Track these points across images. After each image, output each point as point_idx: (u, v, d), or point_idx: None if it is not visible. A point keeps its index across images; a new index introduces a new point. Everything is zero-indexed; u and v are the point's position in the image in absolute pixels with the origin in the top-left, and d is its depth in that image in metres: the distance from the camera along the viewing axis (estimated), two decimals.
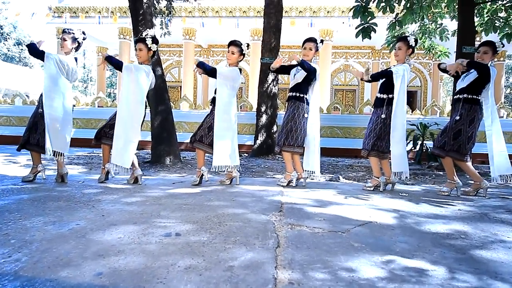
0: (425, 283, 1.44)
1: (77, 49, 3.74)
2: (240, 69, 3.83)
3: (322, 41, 3.86)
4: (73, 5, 15.20)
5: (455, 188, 3.59)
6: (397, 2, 6.37)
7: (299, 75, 3.74)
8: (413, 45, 3.67)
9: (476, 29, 6.67)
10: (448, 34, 8.09)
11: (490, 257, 1.77)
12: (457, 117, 3.50)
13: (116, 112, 3.62)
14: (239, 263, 1.59)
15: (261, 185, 3.81)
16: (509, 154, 3.53)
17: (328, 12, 14.10)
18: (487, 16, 6.98)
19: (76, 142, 8.15)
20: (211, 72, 3.68)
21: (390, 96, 3.67)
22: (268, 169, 5.44)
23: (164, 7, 8.10)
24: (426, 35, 8.41)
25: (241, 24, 14.38)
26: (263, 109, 7.28)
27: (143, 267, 1.51)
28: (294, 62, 3.67)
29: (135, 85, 3.56)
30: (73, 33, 3.66)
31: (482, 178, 3.56)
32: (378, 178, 3.72)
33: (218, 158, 3.60)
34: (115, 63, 3.69)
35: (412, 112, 8.61)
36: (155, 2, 6.92)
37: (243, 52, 3.78)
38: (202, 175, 3.72)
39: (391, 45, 8.04)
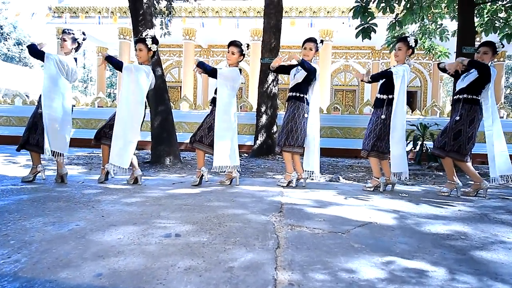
0: (425, 284, 1.44)
1: (77, 49, 3.74)
2: (240, 70, 3.83)
3: (322, 41, 3.86)
4: (73, 5, 15.20)
5: (455, 189, 3.58)
6: (397, 2, 6.37)
7: (299, 75, 3.74)
8: (413, 45, 3.67)
9: (476, 29, 6.67)
10: (448, 34, 8.09)
11: (490, 258, 1.76)
12: (457, 118, 3.50)
13: (115, 112, 3.62)
14: (239, 264, 1.58)
15: (261, 186, 3.80)
16: (509, 155, 3.53)
17: (328, 12, 14.11)
18: (487, 17, 6.98)
19: (76, 142, 8.15)
20: (211, 72, 3.68)
21: (390, 96, 3.67)
22: (268, 170, 5.44)
23: (164, 7, 8.10)
24: (426, 36, 8.41)
25: (241, 24, 14.39)
26: (263, 109, 7.28)
27: (143, 268, 1.51)
28: (294, 62, 3.66)
29: (135, 85, 3.56)
30: (73, 34, 3.65)
31: (482, 178, 3.56)
32: (378, 178, 3.72)
33: (219, 158, 3.60)
34: (115, 63, 3.69)
35: (412, 112, 8.61)
36: (155, 2, 6.92)
37: (243, 53, 3.77)
38: (202, 175, 3.72)
39: (391, 45, 8.05)
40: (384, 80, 3.76)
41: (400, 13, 7.01)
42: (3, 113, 9.87)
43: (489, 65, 3.50)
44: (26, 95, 11.58)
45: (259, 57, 7.51)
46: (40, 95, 3.55)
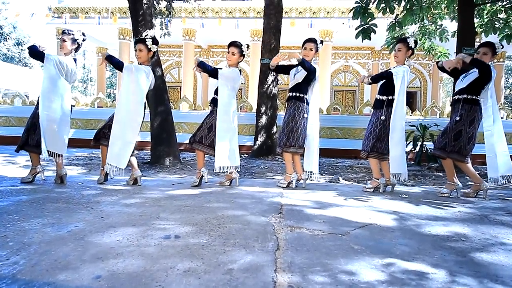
0: (425, 287, 1.44)
1: (76, 50, 3.73)
2: (240, 70, 3.82)
3: (322, 41, 3.86)
4: (73, 6, 15.18)
5: (455, 190, 3.58)
6: (397, 3, 6.37)
7: (299, 75, 3.74)
8: (413, 46, 3.67)
9: (476, 30, 6.66)
10: (448, 35, 8.09)
11: (490, 260, 1.76)
12: (457, 118, 3.49)
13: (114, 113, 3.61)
14: (238, 266, 1.58)
15: (260, 187, 3.80)
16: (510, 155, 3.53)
17: (328, 13, 14.11)
18: (487, 17, 6.98)
19: (75, 143, 8.14)
20: (212, 72, 3.67)
21: (390, 97, 3.67)
22: (268, 170, 5.43)
23: (164, 7, 8.09)
24: (426, 36, 8.40)
25: (241, 24, 14.38)
26: (263, 109, 7.27)
27: (142, 270, 1.50)
28: (295, 61, 3.65)
29: (135, 86, 3.56)
30: (73, 34, 3.65)
31: (482, 179, 3.56)
32: (378, 179, 3.72)
33: (220, 159, 3.59)
34: (116, 63, 3.68)
35: (412, 113, 8.60)
36: (155, 2, 6.90)
37: (243, 53, 3.77)
38: (202, 176, 3.71)
39: (391, 46, 8.04)
40: (384, 81, 3.76)
41: (400, 14, 7.01)
42: (2, 114, 9.85)
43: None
44: (26, 96, 11.56)
45: (259, 57, 7.50)
46: (39, 96, 3.55)
